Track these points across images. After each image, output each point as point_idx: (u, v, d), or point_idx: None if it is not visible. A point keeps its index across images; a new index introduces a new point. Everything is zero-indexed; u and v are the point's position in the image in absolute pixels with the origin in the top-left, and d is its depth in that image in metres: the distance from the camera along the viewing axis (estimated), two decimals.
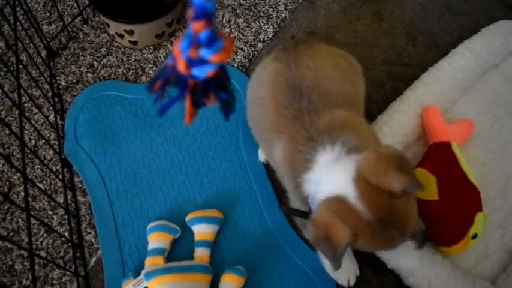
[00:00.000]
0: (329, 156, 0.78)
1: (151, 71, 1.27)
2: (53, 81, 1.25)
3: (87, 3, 1.37)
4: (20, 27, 1.28)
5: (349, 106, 0.88)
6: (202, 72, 0.52)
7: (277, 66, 0.91)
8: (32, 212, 1.03)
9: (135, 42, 1.29)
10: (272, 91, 0.90)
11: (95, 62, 1.29)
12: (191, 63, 0.51)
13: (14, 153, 1.14)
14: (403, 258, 0.93)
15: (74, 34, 1.34)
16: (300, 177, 0.81)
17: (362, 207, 0.70)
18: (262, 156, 1.12)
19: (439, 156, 1.01)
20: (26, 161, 1.13)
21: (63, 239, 1.03)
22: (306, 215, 0.82)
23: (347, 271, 0.98)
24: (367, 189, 0.70)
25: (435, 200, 0.94)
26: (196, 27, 0.48)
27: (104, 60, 1.29)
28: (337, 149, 0.78)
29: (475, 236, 0.92)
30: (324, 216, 0.72)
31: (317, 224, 0.72)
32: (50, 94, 1.21)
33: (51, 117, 1.18)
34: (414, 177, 0.70)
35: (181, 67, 0.52)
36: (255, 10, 1.39)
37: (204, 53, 0.50)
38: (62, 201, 1.07)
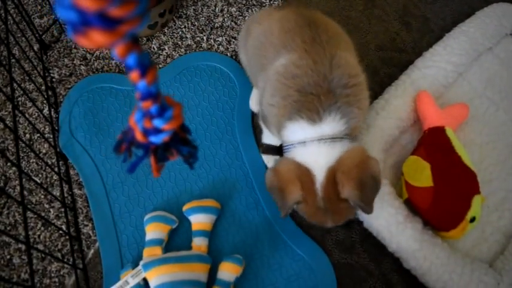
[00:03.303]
0: (330, 129, 0.80)
1: None
2: (46, 74, 1.24)
3: None
4: (11, 21, 1.27)
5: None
6: (159, 139, 0.56)
7: (286, 8, 0.92)
8: (28, 206, 1.03)
9: None
10: (282, 17, 0.88)
11: (87, 55, 1.28)
12: (147, 132, 0.55)
13: (9, 148, 1.14)
14: (405, 240, 0.93)
15: (66, 27, 1.33)
16: (293, 118, 0.81)
17: (319, 192, 0.78)
18: (253, 105, 1.11)
19: (433, 142, 1.01)
20: (22, 154, 1.13)
21: (60, 232, 1.03)
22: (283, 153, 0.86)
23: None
24: (331, 183, 0.77)
25: (430, 187, 0.94)
26: (145, 105, 0.52)
27: (97, 52, 1.28)
28: (342, 125, 0.80)
29: (473, 220, 0.92)
30: (288, 170, 0.80)
31: (278, 174, 0.80)
32: (43, 87, 1.20)
33: (46, 111, 1.18)
34: (365, 200, 0.76)
35: (139, 137, 0.56)
36: None
37: (157, 123, 0.54)
38: (58, 194, 1.07)
